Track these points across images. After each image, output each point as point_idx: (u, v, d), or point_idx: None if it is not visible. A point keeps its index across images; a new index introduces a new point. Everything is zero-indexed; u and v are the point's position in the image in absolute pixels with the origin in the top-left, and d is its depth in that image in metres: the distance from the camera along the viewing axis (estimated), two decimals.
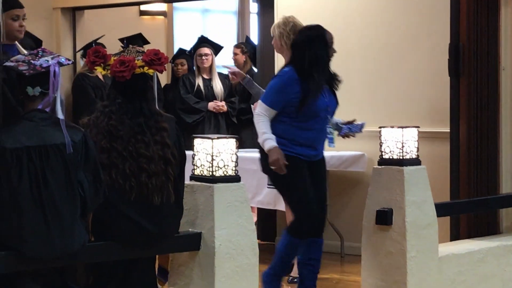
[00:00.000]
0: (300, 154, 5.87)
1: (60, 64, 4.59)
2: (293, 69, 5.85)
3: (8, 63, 4.62)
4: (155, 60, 4.93)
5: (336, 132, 6.27)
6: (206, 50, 9.04)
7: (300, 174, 5.87)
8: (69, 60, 4.75)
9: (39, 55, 4.60)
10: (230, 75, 7.17)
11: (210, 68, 9.06)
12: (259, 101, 5.96)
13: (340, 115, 8.18)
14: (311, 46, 5.87)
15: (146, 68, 4.91)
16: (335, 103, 6.08)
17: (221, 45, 9.36)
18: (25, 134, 4.47)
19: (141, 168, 4.82)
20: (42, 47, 4.81)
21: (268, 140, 5.79)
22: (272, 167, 5.76)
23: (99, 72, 8.56)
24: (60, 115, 4.54)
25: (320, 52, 5.88)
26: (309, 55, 5.84)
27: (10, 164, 4.40)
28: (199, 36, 9.35)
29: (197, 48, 9.09)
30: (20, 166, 4.42)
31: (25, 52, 5.17)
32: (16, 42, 5.35)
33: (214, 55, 9.12)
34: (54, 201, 4.45)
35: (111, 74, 4.91)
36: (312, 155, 5.94)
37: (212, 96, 9.04)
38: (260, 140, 5.85)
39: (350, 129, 6.23)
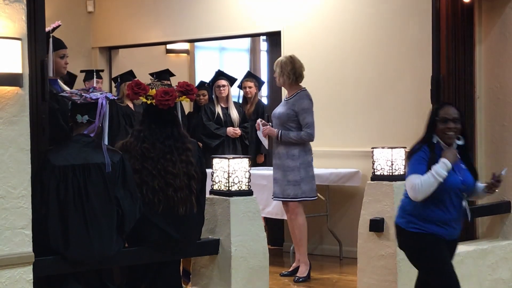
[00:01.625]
0: (433, 233, 4.73)
1: (107, 99, 4.65)
2: (424, 146, 4.77)
3: (63, 94, 4.72)
4: (189, 90, 4.99)
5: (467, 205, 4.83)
6: (223, 82, 9.05)
7: (437, 248, 4.72)
8: (115, 96, 4.82)
9: (90, 91, 4.68)
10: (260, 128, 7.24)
11: (227, 98, 9.07)
12: (407, 180, 4.75)
13: (337, 138, 8.24)
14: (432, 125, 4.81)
15: (183, 97, 4.96)
16: (472, 178, 4.84)
17: (235, 77, 9.38)
18: (71, 154, 4.51)
19: (168, 183, 4.83)
20: (93, 85, 4.87)
21: (437, 169, 4.65)
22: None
23: (129, 102, 8.61)
24: (105, 140, 4.61)
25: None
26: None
27: (59, 179, 4.45)
28: (217, 70, 9.38)
29: (215, 81, 9.11)
30: (66, 181, 4.46)
31: (66, 87, 5.25)
32: (58, 78, 5.39)
33: (230, 86, 9.13)
34: (94, 212, 4.47)
35: (156, 102, 4.90)
36: (445, 234, 4.76)
37: (230, 122, 9.04)
38: (438, 177, 4.63)
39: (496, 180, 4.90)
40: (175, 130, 4.94)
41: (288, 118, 7.06)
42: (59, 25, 5.23)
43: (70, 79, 8.53)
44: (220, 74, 9.20)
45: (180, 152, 4.90)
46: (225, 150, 8.88)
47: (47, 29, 4.99)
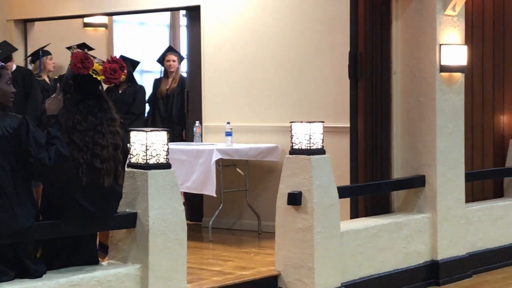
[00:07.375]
0: None
1: None
2: None
3: None
4: (123, 67, 4.99)
5: None
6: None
7: None
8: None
9: None
10: None
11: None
12: None
13: (257, 113, 8.28)
14: None
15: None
16: None
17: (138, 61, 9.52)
18: None
19: (95, 155, 4.79)
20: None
21: None
22: None
23: (46, 76, 8.49)
24: None
25: None
26: None
27: None
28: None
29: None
30: None
31: None
32: None
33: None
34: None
35: (105, 78, 4.87)
36: None
37: None
38: None
39: None
40: (104, 102, 4.93)
41: None
42: None
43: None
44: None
45: (109, 123, 4.89)
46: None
47: None
